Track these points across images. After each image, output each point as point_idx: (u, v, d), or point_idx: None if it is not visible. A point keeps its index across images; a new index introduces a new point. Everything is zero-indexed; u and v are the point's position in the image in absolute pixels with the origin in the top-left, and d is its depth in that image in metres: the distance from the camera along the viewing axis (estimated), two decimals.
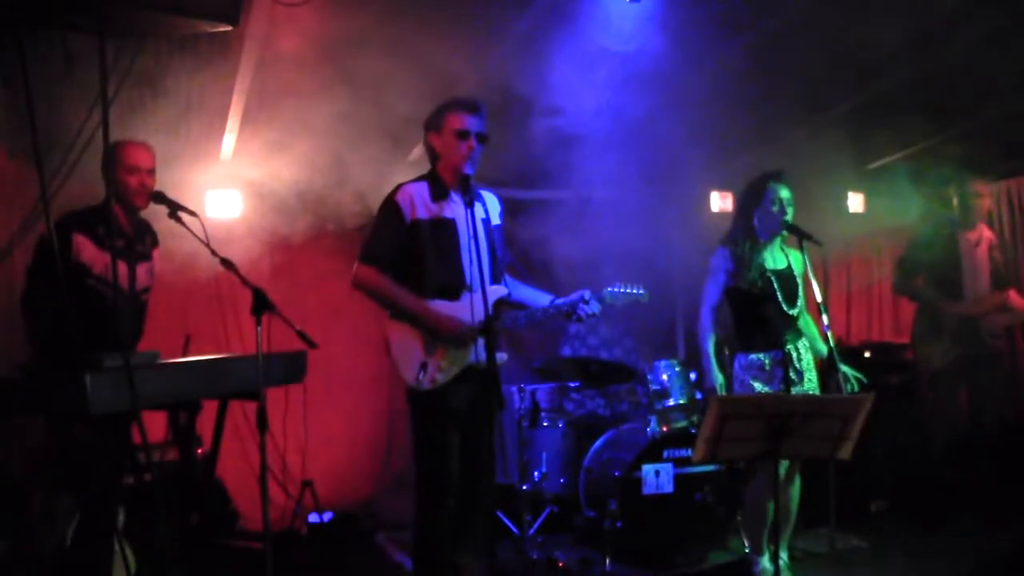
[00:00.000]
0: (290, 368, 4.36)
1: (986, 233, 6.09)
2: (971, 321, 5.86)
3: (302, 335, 3.98)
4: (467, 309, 3.91)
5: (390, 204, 4.01)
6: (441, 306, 3.94)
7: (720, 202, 7.47)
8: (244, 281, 3.95)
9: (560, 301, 4.08)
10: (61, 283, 3.58)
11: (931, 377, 6.06)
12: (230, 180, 6.17)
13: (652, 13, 5.12)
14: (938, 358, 5.93)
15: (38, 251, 4.10)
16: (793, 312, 4.71)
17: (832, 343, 4.40)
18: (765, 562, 4.80)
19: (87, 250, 4.09)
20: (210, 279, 6.22)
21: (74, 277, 4.03)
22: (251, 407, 4.20)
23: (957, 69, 5.73)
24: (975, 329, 5.85)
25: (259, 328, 3.79)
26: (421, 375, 3.87)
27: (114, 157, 4.08)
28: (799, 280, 4.76)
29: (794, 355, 4.69)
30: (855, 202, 7.83)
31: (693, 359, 6.81)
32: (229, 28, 3.24)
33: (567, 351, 6.66)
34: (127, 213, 4.22)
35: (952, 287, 5.98)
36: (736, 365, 4.80)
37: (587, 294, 4.05)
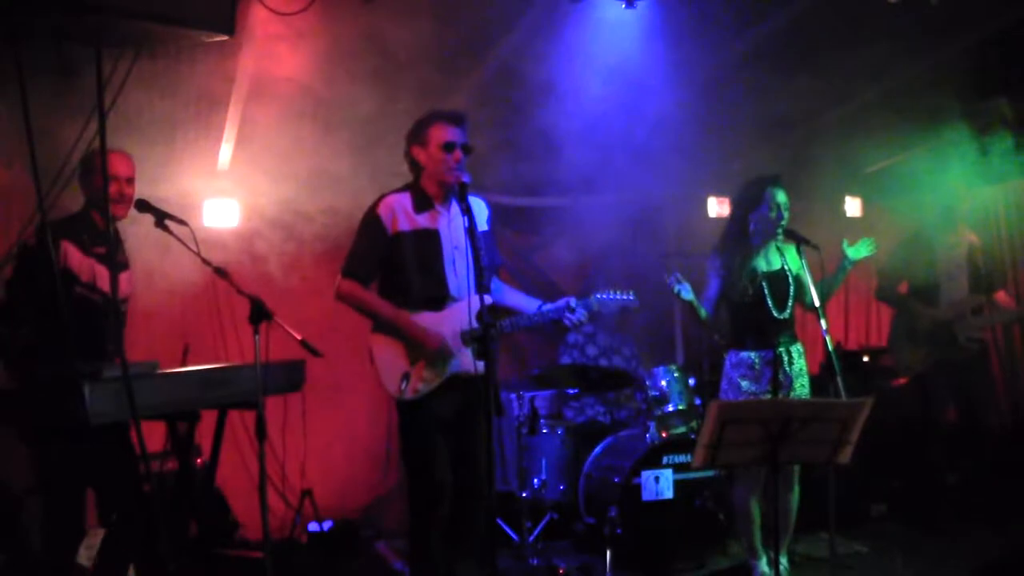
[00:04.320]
0: (289, 377, 4.36)
1: (967, 236, 6.03)
2: (947, 326, 5.83)
3: (305, 344, 3.98)
4: (452, 319, 3.94)
5: (371, 217, 4.02)
6: (426, 317, 3.96)
7: (718, 207, 7.46)
8: (239, 290, 3.95)
9: (547, 308, 4.09)
10: (60, 291, 3.57)
11: (918, 382, 6.03)
12: (228, 190, 6.17)
13: (647, 19, 5.14)
14: (916, 363, 5.91)
15: (20, 260, 3.99)
16: (783, 316, 4.72)
17: (831, 347, 4.41)
18: (763, 566, 4.80)
19: (74, 257, 4.02)
20: (208, 288, 6.21)
21: (63, 285, 3.93)
22: (250, 416, 4.20)
23: (955, 72, 5.75)
24: (951, 334, 5.82)
25: (257, 337, 3.79)
26: (403, 385, 3.90)
27: (93, 165, 4.03)
28: (792, 281, 4.76)
29: (785, 358, 4.71)
30: (852, 206, 7.84)
31: (692, 365, 6.82)
32: (225, 38, 3.24)
33: (567, 359, 6.66)
34: (106, 222, 4.10)
35: (929, 292, 5.94)
36: (727, 362, 4.83)
37: (572, 301, 4.05)
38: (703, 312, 4.78)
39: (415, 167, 4.07)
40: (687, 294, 4.72)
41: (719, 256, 4.81)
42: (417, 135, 4.03)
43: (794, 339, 4.81)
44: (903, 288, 6.12)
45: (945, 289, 5.91)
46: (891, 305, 6.30)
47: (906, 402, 6.20)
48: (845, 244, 4.78)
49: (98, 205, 4.11)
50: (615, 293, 4.12)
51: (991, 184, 7.15)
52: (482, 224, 4.12)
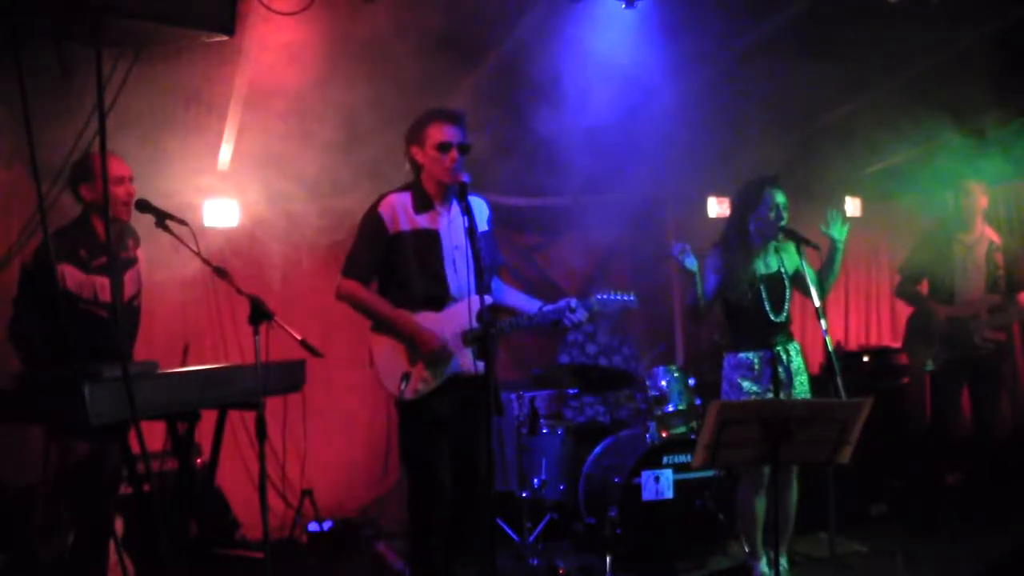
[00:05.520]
0: (289, 377, 4.35)
1: (987, 234, 5.98)
2: (961, 324, 5.82)
3: (305, 344, 3.99)
4: (452, 319, 3.94)
5: (372, 216, 4.02)
6: (426, 318, 3.95)
7: (718, 207, 7.45)
8: (239, 290, 3.95)
9: (547, 309, 4.09)
10: (60, 308, 3.58)
11: (930, 380, 6.03)
12: (227, 190, 6.17)
13: (647, 18, 5.14)
14: (928, 361, 5.90)
15: (22, 281, 4.07)
16: (779, 319, 4.73)
17: (831, 348, 4.41)
18: (763, 567, 4.80)
19: (72, 278, 4.05)
20: (208, 288, 6.21)
21: (64, 304, 3.97)
22: (250, 416, 4.20)
23: (956, 72, 5.74)
24: (966, 332, 5.81)
25: (257, 337, 3.80)
26: (403, 385, 3.90)
27: (91, 168, 4.04)
28: (789, 283, 4.77)
29: (783, 357, 4.71)
30: (852, 206, 7.84)
31: (692, 365, 6.82)
32: (225, 38, 3.25)
33: (566, 358, 6.68)
34: (106, 224, 4.10)
35: (944, 289, 5.93)
36: (725, 364, 4.83)
37: (573, 302, 4.05)
38: (702, 297, 4.78)
39: (415, 167, 4.07)
40: (691, 264, 4.71)
41: (719, 256, 4.80)
42: (415, 135, 4.03)
43: (790, 339, 4.82)
44: (923, 287, 6.10)
45: (961, 288, 5.89)
46: (909, 302, 6.28)
47: (908, 402, 6.19)
48: (823, 228, 4.73)
49: (99, 209, 4.11)
50: (615, 293, 4.13)
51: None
52: (483, 224, 4.12)
